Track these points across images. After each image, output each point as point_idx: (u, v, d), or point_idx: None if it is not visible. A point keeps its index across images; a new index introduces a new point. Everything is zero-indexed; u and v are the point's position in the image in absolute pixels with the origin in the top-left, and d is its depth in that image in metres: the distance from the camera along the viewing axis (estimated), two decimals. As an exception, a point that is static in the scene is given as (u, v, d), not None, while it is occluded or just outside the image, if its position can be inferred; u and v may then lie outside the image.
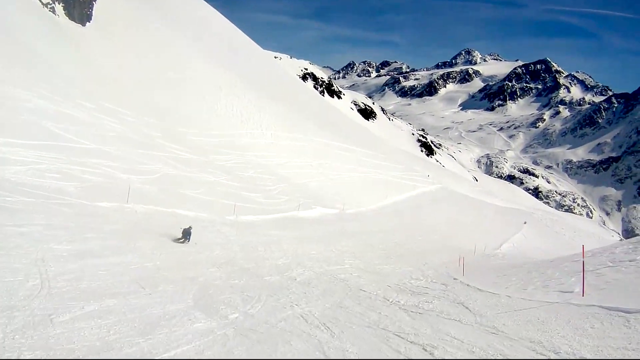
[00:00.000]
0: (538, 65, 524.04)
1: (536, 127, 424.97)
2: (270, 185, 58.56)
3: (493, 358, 10.86)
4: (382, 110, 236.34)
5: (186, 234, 25.19)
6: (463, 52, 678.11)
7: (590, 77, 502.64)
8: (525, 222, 77.98)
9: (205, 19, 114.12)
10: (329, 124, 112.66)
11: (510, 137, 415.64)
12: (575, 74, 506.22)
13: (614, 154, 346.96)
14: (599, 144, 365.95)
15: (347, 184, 77.56)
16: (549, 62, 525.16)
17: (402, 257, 34.95)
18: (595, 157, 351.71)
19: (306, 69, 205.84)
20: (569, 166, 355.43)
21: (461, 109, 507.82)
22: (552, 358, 10.77)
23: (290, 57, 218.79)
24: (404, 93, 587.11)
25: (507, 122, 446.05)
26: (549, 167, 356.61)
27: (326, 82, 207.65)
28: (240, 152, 66.73)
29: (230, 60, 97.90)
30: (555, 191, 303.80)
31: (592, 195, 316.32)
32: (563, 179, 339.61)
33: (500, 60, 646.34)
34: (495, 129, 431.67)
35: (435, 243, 48.57)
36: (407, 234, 51.03)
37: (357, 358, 11.04)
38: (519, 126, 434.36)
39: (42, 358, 9.05)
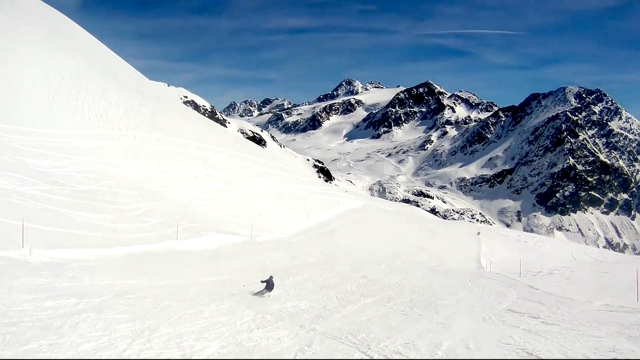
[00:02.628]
0: (420, 89, 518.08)
1: (425, 150, 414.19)
2: (127, 203, 40.01)
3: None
4: (272, 138, 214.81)
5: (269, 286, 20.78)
6: (344, 83, 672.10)
7: (474, 94, 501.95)
8: (478, 233, 72.69)
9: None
10: (218, 132, 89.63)
11: (400, 162, 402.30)
12: (459, 94, 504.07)
13: (507, 167, 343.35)
14: (490, 158, 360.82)
15: (252, 200, 61.80)
16: (431, 84, 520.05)
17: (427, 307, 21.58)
18: (489, 172, 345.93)
19: (186, 97, 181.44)
20: (462, 184, 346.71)
21: (347, 140, 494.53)
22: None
23: (168, 85, 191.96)
24: (288, 129, 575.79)
25: (395, 147, 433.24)
26: (442, 187, 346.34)
27: (209, 110, 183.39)
28: (79, 157, 41.61)
29: (78, 47, 72.93)
30: (453, 209, 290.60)
31: (489, 209, 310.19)
32: (458, 197, 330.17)
33: (382, 87, 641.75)
34: (384, 155, 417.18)
35: (411, 268, 37.86)
36: (365, 263, 37.08)
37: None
38: (407, 150, 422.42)
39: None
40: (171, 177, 54.79)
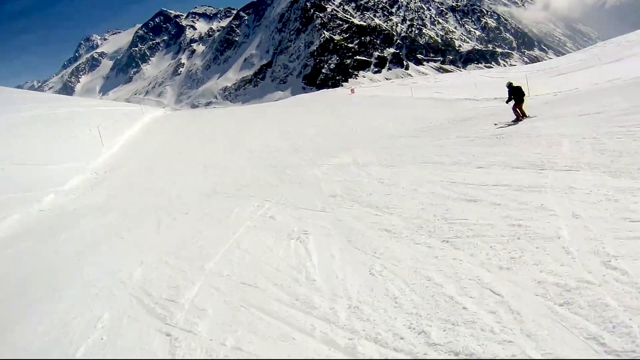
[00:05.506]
0: (157, 19, 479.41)
1: (179, 74, 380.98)
2: None
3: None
4: None
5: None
6: (82, 41, 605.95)
7: (209, 6, 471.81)
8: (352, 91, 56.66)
9: None
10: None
11: (159, 95, 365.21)
12: (195, 10, 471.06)
13: (264, 62, 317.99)
14: (245, 59, 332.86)
15: None
16: (166, 11, 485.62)
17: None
18: (249, 73, 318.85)
19: None
20: (227, 93, 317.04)
21: (102, 95, 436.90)
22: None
23: None
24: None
25: (150, 83, 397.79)
26: (208, 103, 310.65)
27: None
28: None
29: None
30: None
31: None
32: (227, 106, 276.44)
33: (120, 31, 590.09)
34: (142, 95, 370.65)
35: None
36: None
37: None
38: (162, 82, 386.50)
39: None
40: None
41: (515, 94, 19.51)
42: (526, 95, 19.93)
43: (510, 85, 19.85)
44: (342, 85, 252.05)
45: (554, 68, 58.27)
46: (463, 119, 23.63)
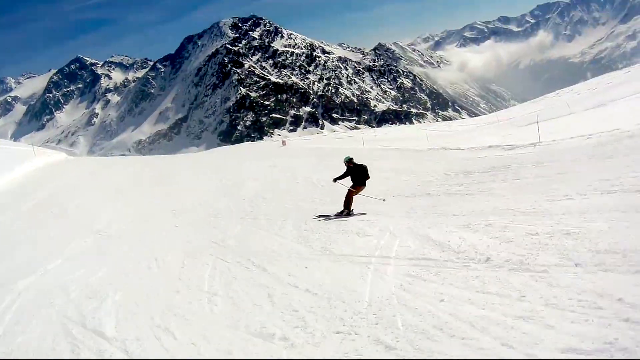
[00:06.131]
0: (72, 66, 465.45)
1: (93, 125, 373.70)
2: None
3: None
4: None
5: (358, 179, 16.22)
6: None
7: (126, 56, 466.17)
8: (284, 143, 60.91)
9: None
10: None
11: (72, 145, 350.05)
12: (112, 59, 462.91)
13: (180, 116, 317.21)
14: (161, 112, 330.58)
15: None
16: (82, 58, 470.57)
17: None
18: (164, 126, 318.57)
19: None
20: (140, 146, 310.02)
21: (14, 140, 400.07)
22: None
23: None
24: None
25: (62, 132, 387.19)
26: (122, 155, 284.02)
27: None
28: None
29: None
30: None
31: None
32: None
33: (35, 76, 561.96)
34: (54, 144, 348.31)
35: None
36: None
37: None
38: (75, 131, 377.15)
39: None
40: None
41: (358, 174, 15.17)
42: (369, 179, 15.21)
43: (350, 162, 15.26)
44: (255, 141, 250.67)
45: (511, 119, 55.90)
46: (468, 171, 18.14)
